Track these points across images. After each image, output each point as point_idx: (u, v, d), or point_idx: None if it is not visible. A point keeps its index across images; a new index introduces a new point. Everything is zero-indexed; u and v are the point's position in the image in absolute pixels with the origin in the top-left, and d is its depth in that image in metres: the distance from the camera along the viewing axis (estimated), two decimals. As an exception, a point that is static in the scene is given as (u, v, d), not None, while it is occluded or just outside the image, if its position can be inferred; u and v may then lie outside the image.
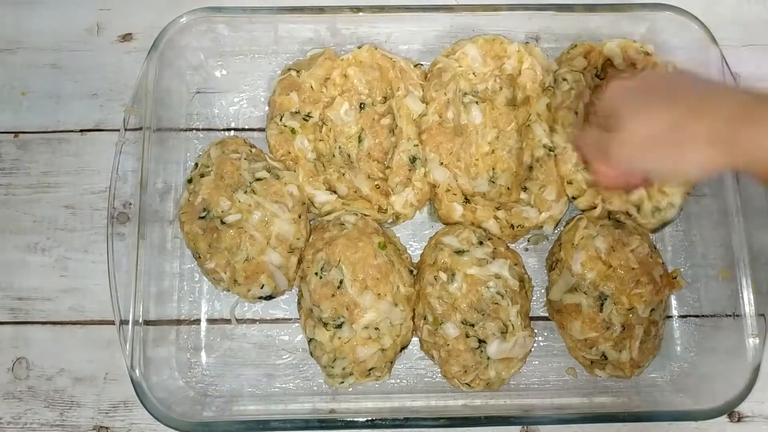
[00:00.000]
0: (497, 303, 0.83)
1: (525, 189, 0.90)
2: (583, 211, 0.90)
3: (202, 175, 0.87)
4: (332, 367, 0.84)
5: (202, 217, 0.85)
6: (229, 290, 0.87)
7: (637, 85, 0.72)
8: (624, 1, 0.94)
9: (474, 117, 0.91)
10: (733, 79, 0.87)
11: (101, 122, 0.98)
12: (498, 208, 0.89)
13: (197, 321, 0.92)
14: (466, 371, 0.84)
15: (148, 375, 0.81)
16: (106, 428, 0.89)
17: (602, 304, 0.83)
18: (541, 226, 0.90)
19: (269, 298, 0.87)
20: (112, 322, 0.81)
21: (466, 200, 0.90)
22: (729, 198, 0.86)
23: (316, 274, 0.84)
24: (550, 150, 0.90)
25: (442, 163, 0.90)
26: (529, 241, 0.94)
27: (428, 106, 0.91)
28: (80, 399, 0.90)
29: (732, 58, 0.88)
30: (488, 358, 0.83)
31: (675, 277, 0.88)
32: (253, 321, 0.92)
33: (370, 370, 0.84)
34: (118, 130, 0.87)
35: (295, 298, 0.90)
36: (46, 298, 0.93)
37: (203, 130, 0.97)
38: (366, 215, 0.89)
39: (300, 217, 0.88)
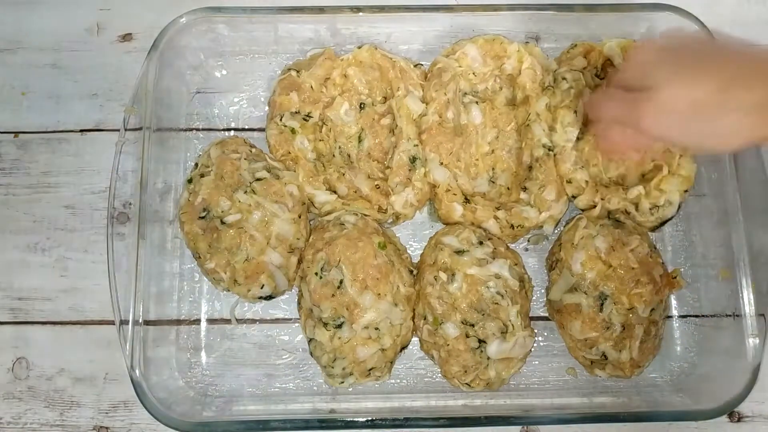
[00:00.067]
0: (497, 303, 0.83)
1: (525, 189, 0.90)
2: (583, 210, 0.90)
3: (202, 175, 0.87)
4: (332, 367, 0.84)
5: (202, 217, 0.85)
6: (229, 290, 0.87)
7: (674, 45, 0.67)
8: (624, 1, 0.95)
9: (474, 117, 0.91)
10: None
11: (101, 122, 0.98)
12: (498, 208, 0.89)
13: (197, 321, 0.92)
14: (466, 371, 0.84)
15: (148, 375, 0.81)
16: (106, 428, 0.89)
17: (602, 304, 0.83)
18: (541, 226, 0.90)
19: (269, 298, 0.87)
20: (112, 322, 0.81)
21: (466, 200, 0.90)
22: (729, 198, 0.86)
23: (316, 274, 0.84)
24: (549, 150, 0.90)
25: (442, 163, 0.90)
26: (529, 241, 0.94)
27: (428, 106, 0.91)
28: (80, 399, 0.90)
29: (732, 58, 0.88)
30: (488, 358, 0.83)
31: (675, 277, 0.88)
32: (253, 321, 0.92)
33: (370, 370, 0.84)
34: (118, 130, 0.87)
35: (295, 298, 0.90)
36: (46, 298, 0.93)
37: (203, 130, 0.97)
38: (366, 215, 0.89)
39: (300, 217, 0.88)
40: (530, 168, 0.91)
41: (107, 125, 0.98)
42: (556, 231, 0.92)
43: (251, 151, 0.90)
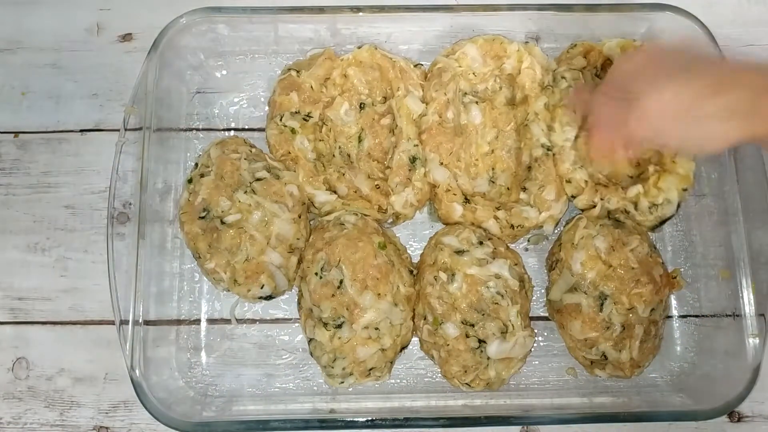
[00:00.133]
0: (497, 303, 0.83)
1: (524, 189, 0.90)
2: (583, 210, 0.90)
3: (202, 175, 0.87)
4: (332, 367, 0.84)
5: (202, 217, 0.85)
6: (229, 290, 0.87)
7: (659, 54, 0.72)
8: (624, 1, 0.95)
9: (474, 117, 0.91)
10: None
11: (101, 122, 0.98)
12: (498, 208, 0.89)
13: (197, 321, 0.92)
14: (466, 371, 0.84)
15: (148, 375, 0.81)
16: (106, 428, 0.89)
17: (602, 304, 0.83)
18: (541, 226, 0.90)
19: (269, 298, 0.87)
20: (112, 322, 0.81)
21: (466, 200, 0.90)
22: (729, 198, 0.86)
23: (316, 274, 0.84)
24: (548, 149, 0.90)
25: (442, 163, 0.90)
26: (529, 241, 0.94)
27: (428, 106, 0.91)
28: (80, 399, 0.90)
29: (732, 58, 0.88)
30: (488, 358, 0.83)
31: (675, 277, 0.88)
32: (253, 321, 0.92)
33: (370, 370, 0.84)
34: (118, 130, 0.87)
35: (295, 298, 0.90)
36: (46, 298, 0.93)
37: (203, 130, 0.97)
38: (366, 215, 0.89)
39: (300, 217, 0.88)
40: (530, 168, 0.91)
41: (107, 125, 0.98)
42: (556, 231, 0.92)
43: (251, 151, 0.90)
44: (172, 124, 0.95)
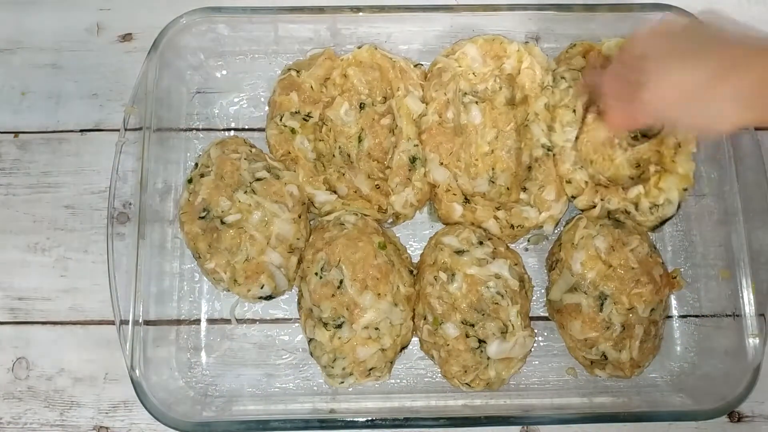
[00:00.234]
0: (497, 303, 0.83)
1: (524, 189, 0.90)
2: (583, 210, 0.90)
3: (202, 175, 0.87)
4: (332, 367, 0.84)
5: (202, 217, 0.85)
6: (229, 290, 0.87)
7: (672, 33, 0.72)
8: (624, 1, 0.95)
9: (474, 117, 0.91)
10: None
11: (101, 122, 0.98)
12: (498, 208, 0.89)
13: (197, 321, 0.92)
14: (466, 371, 0.83)
15: (148, 375, 0.81)
16: (106, 428, 0.89)
17: (602, 304, 0.83)
18: (541, 226, 0.90)
19: (269, 298, 0.87)
20: (112, 322, 0.81)
21: (466, 200, 0.90)
22: (729, 198, 0.86)
23: (316, 274, 0.84)
24: (548, 150, 0.90)
25: (441, 163, 0.90)
26: (529, 241, 0.94)
27: (428, 106, 0.91)
28: (80, 399, 0.90)
29: (732, 58, 0.88)
30: (488, 358, 0.83)
31: (675, 277, 0.88)
32: (253, 321, 0.92)
33: (370, 370, 0.84)
34: (118, 130, 0.87)
35: (295, 298, 0.90)
36: (46, 298, 0.93)
37: (203, 130, 0.97)
38: (366, 215, 0.89)
39: (300, 217, 0.88)
40: (530, 168, 0.91)
41: (107, 125, 0.98)
42: (556, 231, 0.92)
43: (251, 151, 0.90)
44: (172, 124, 0.95)
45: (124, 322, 0.81)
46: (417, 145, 0.91)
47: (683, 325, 0.92)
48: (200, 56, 0.97)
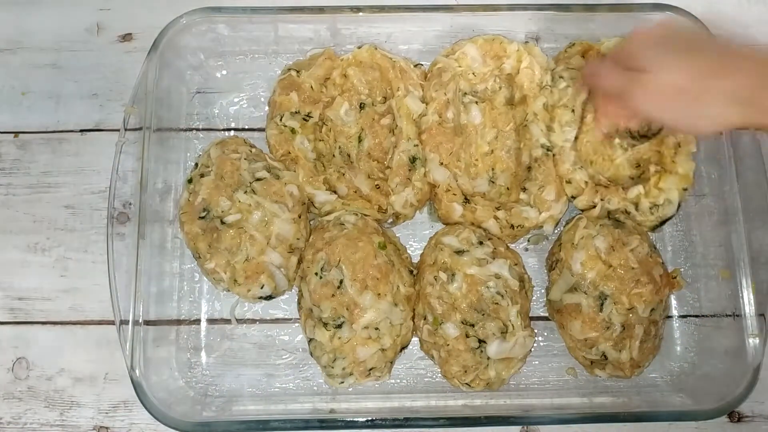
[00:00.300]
0: (497, 303, 0.83)
1: (524, 189, 0.90)
2: (583, 210, 0.90)
3: (202, 175, 0.87)
4: (332, 367, 0.84)
5: (202, 217, 0.85)
6: (229, 290, 0.87)
7: (668, 34, 0.73)
8: (624, 1, 0.94)
9: (473, 117, 0.91)
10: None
11: (101, 122, 0.98)
12: (498, 208, 0.89)
13: (197, 321, 0.92)
14: (466, 371, 0.83)
15: (148, 375, 0.81)
16: (106, 428, 0.89)
17: (602, 304, 0.83)
18: (541, 226, 0.90)
19: (269, 298, 0.87)
20: (112, 322, 0.81)
21: (466, 200, 0.90)
22: (729, 198, 0.86)
23: (316, 274, 0.84)
24: (548, 150, 0.90)
25: (441, 163, 0.90)
26: (529, 241, 0.94)
27: (428, 106, 0.91)
28: (80, 399, 0.90)
29: (732, 58, 0.88)
30: (488, 358, 0.83)
31: (675, 277, 0.88)
32: (253, 321, 0.92)
33: (370, 370, 0.84)
34: (118, 130, 0.87)
35: (295, 298, 0.90)
36: (46, 298, 0.93)
37: (203, 130, 0.97)
38: (366, 215, 0.89)
39: (300, 217, 0.88)
40: (530, 168, 0.91)
41: (107, 125, 0.98)
42: (556, 231, 0.92)
43: (251, 151, 0.90)
44: (172, 124, 0.95)
45: (124, 322, 0.81)
46: (417, 145, 0.91)
47: (683, 325, 0.92)
48: (200, 56, 0.97)
